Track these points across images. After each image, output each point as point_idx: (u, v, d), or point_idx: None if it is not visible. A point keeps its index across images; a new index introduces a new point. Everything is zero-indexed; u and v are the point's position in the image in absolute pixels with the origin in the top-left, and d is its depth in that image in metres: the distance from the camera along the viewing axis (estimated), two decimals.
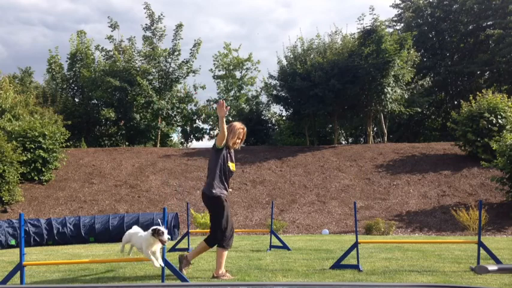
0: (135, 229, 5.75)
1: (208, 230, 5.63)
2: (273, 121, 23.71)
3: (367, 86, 18.11)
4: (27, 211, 13.63)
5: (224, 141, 5.26)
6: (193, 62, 21.42)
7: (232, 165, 5.46)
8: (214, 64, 22.25)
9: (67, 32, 78.07)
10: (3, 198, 13.52)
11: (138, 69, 20.43)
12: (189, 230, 8.21)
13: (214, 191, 5.26)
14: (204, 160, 17.19)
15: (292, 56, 19.65)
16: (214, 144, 5.35)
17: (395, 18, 27.87)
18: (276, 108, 23.12)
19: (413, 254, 7.06)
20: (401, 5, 27.58)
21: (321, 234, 11.91)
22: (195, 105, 22.73)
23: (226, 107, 5.00)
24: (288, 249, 7.70)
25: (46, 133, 15.28)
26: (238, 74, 22.38)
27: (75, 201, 14.35)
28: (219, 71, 22.31)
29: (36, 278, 5.78)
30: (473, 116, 15.09)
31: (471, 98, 15.70)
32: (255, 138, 21.29)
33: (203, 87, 23.06)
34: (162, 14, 21.14)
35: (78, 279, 5.64)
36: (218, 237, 5.30)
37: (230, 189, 5.60)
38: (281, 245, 7.82)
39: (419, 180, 14.83)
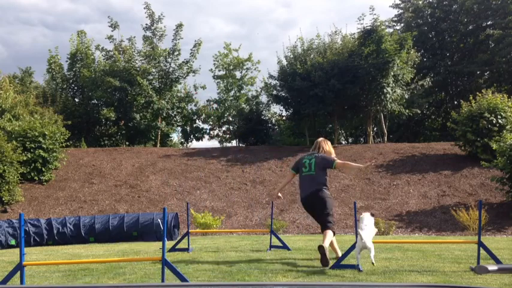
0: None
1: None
2: (273, 121, 23.67)
3: (367, 86, 18.11)
4: (27, 211, 13.63)
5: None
6: (193, 62, 21.45)
7: None
8: (214, 64, 22.23)
9: (67, 32, 78.16)
10: (3, 198, 13.52)
11: (138, 69, 20.42)
12: (189, 230, 8.20)
13: (330, 192, 6.70)
14: (204, 160, 17.20)
15: (292, 56, 19.64)
16: (333, 163, 6.53)
17: (395, 18, 27.81)
18: (276, 108, 23.07)
19: (413, 254, 7.05)
20: (401, 5, 27.53)
21: (321, 234, 11.90)
22: (195, 105, 22.73)
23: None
24: (288, 249, 7.69)
25: (46, 133, 15.28)
26: (238, 74, 22.34)
27: (75, 201, 14.35)
28: (219, 71, 22.27)
29: (36, 278, 5.78)
30: (473, 116, 15.07)
31: (471, 98, 15.68)
32: (255, 138, 21.28)
33: (203, 87, 23.07)
34: (162, 14, 21.16)
35: (78, 279, 5.64)
36: (333, 222, 6.64)
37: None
38: (281, 245, 7.81)
39: (419, 180, 14.83)
